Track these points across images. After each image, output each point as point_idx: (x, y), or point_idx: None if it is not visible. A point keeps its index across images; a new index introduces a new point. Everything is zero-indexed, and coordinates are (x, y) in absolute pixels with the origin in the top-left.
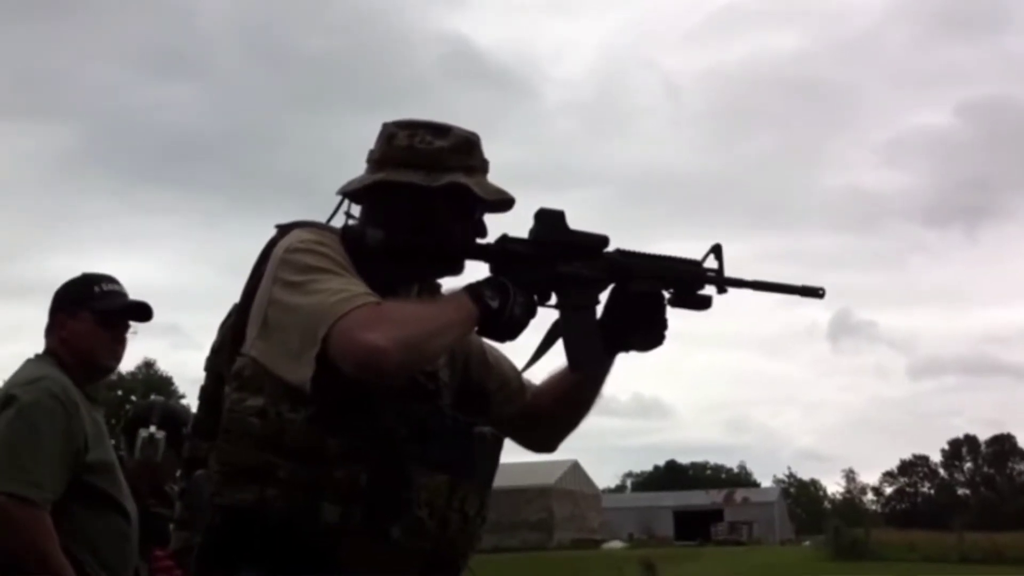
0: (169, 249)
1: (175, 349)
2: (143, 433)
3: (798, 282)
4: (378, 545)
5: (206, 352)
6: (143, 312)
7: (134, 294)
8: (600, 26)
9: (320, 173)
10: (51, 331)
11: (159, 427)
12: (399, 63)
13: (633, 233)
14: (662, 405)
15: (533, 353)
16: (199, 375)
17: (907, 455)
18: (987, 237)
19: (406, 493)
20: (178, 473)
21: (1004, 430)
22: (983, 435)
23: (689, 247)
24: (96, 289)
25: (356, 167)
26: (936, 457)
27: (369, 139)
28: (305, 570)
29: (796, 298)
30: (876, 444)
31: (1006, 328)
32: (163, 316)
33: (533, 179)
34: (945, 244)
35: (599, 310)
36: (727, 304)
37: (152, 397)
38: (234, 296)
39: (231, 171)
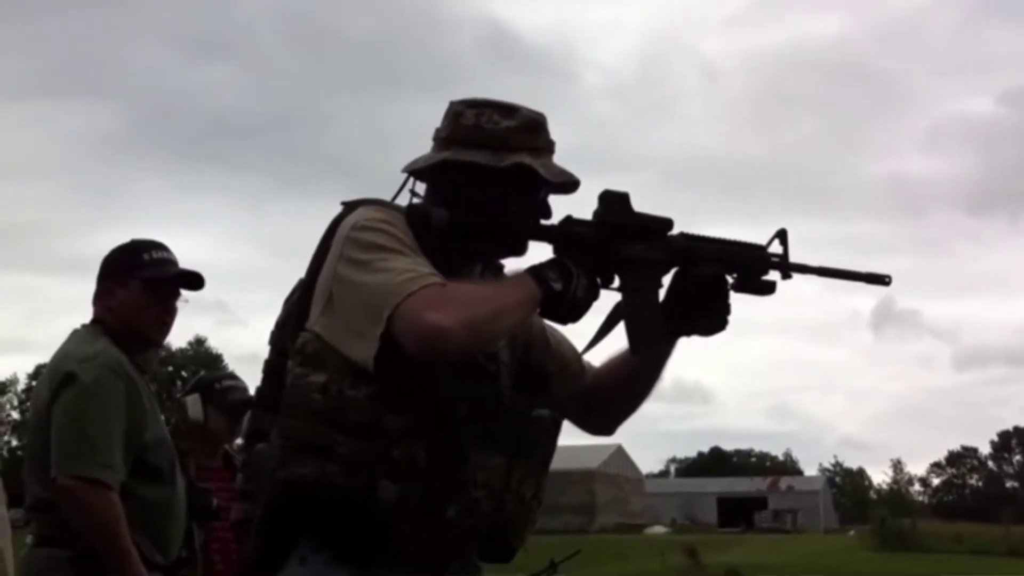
0: (215, 227)
1: (221, 326)
2: (184, 400)
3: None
4: (434, 524)
5: (251, 329)
6: (195, 280)
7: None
8: (640, 10)
9: (364, 154)
10: (99, 299)
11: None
12: (440, 46)
13: (676, 217)
14: (703, 390)
15: (594, 335)
16: (245, 352)
17: (954, 446)
18: None
19: (463, 473)
20: (237, 444)
21: None
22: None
23: (732, 231)
24: (146, 256)
25: (400, 148)
26: (985, 449)
27: (413, 120)
28: (362, 546)
29: (839, 285)
30: (921, 434)
31: None
32: (209, 293)
33: (574, 162)
34: (990, 232)
35: (662, 293)
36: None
37: (203, 373)
38: (277, 275)
39: (276, 152)
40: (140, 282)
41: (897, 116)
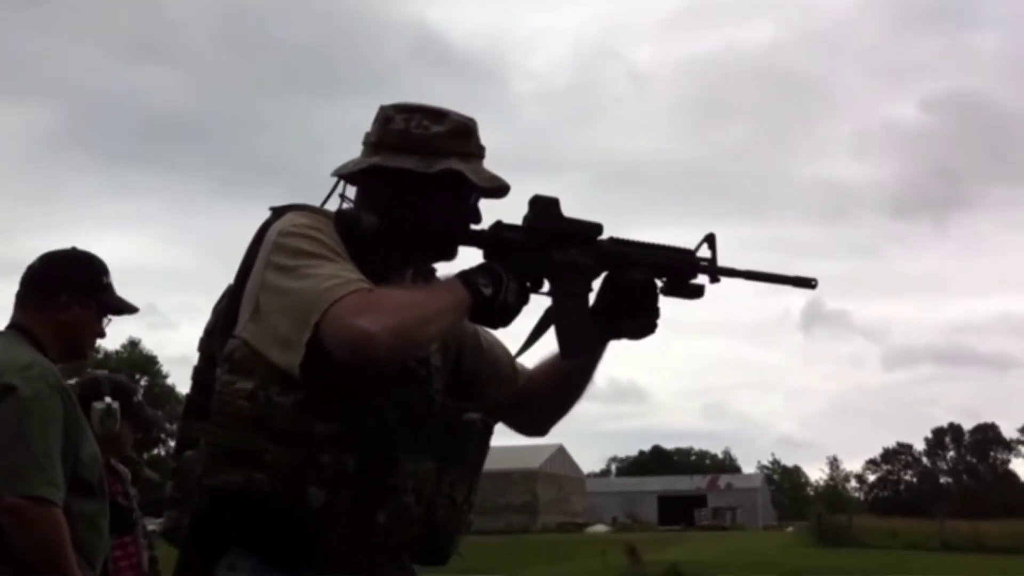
0: (147, 229)
1: (152, 329)
2: (98, 406)
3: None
4: (365, 529)
5: (182, 332)
6: (132, 312)
7: (113, 273)
8: (573, 17)
9: (297, 158)
10: (41, 308)
11: (112, 398)
12: (373, 50)
13: (608, 221)
14: (639, 390)
15: (526, 339)
16: (175, 354)
17: (887, 443)
18: (955, 229)
19: (392, 479)
20: (144, 453)
21: (980, 419)
22: (957, 424)
23: (664, 234)
24: (104, 280)
25: (333, 152)
26: (919, 446)
27: (345, 124)
28: (292, 552)
29: (770, 287)
30: (855, 432)
31: (977, 318)
32: (140, 295)
33: (506, 166)
34: (915, 235)
35: (592, 298)
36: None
37: (94, 371)
38: (210, 278)
39: (210, 155)
40: (97, 305)
41: (825, 121)
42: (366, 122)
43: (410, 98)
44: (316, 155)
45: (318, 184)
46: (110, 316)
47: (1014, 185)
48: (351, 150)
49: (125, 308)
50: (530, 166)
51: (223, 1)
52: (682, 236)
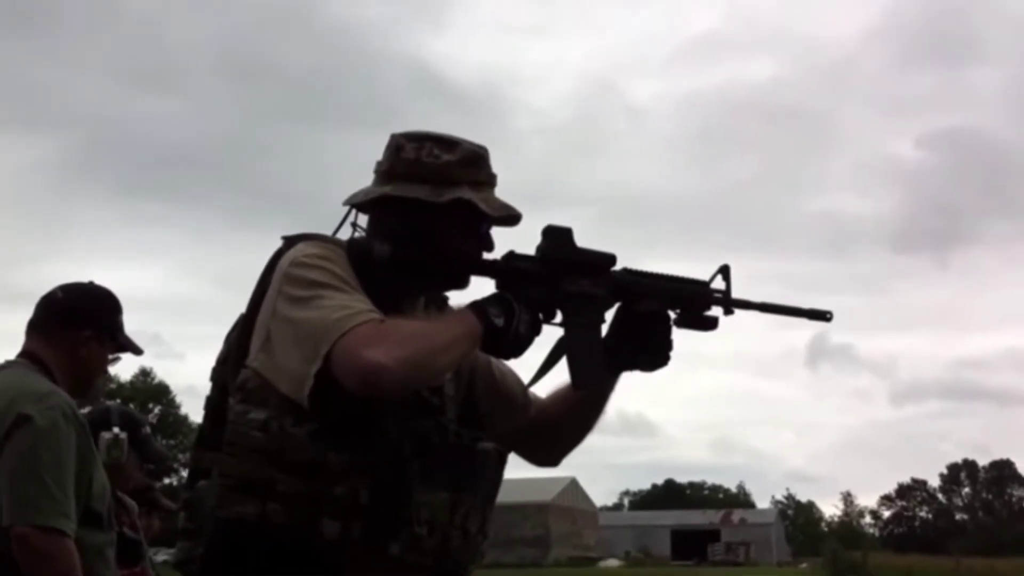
0: (152, 259)
1: (156, 359)
2: (106, 436)
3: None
4: (378, 561)
5: (188, 363)
6: (138, 354)
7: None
8: (576, 53)
9: (302, 187)
10: (60, 339)
11: (120, 429)
12: (377, 83)
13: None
14: (647, 423)
15: (538, 370)
16: (181, 384)
17: (900, 479)
18: (957, 263)
19: (406, 510)
20: (147, 482)
21: (991, 455)
22: (972, 460)
23: (668, 268)
24: (120, 318)
25: (338, 183)
26: (934, 481)
27: (350, 156)
28: None
29: (774, 321)
30: (866, 467)
31: (983, 353)
32: (146, 326)
33: (511, 199)
34: (917, 270)
35: (605, 328)
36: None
37: (104, 402)
38: (215, 307)
39: (216, 185)
40: (113, 345)
41: (827, 157)
42: (370, 154)
43: (413, 128)
44: (321, 185)
45: (323, 214)
46: (119, 355)
47: (1015, 220)
48: (354, 181)
49: (134, 349)
50: (532, 201)
51: (228, 33)
52: (686, 270)
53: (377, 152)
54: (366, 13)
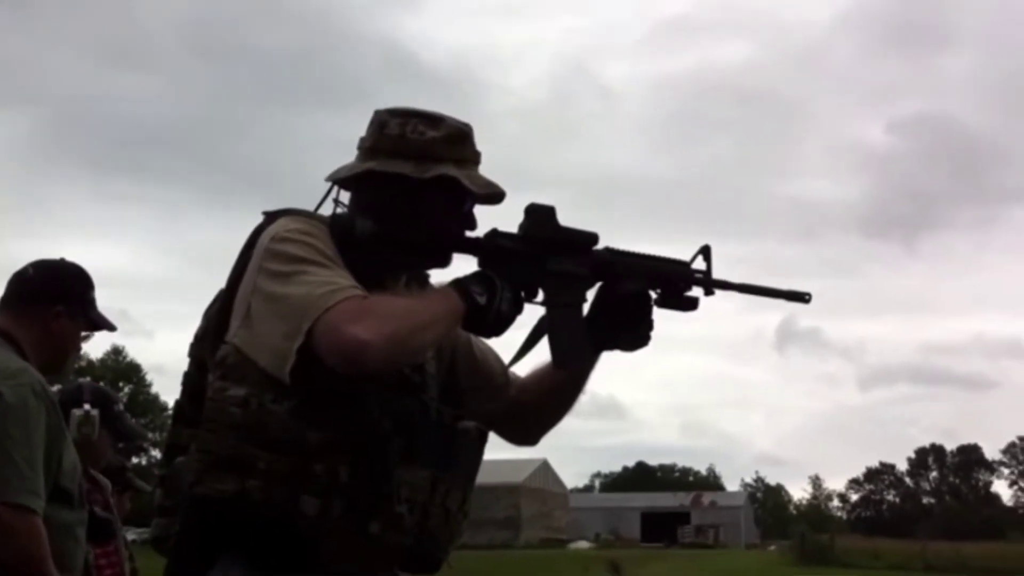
0: (122, 236)
1: (124, 336)
2: (77, 412)
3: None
4: (358, 539)
5: (156, 341)
6: (111, 330)
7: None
8: (550, 34)
9: (275, 166)
10: (32, 316)
11: (91, 406)
12: (350, 64)
13: None
14: (618, 406)
15: (519, 349)
16: (151, 362)
17: (869, 463)
18: (926, 248)
19: (386, 488)
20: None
21: (959, 440)
22: (940, 445)
23: (642, 249)
24: (92, 294)
25: (310, 162)
26: (902, 465)
27: (322, 135)
28: (284, 562)
29: (743, 304)
30: (834, 451)
31: (952, 338)
32: (113, 302)
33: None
34: (886, 255)
35: (586, 308)
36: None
37: (76, 379)
38: (185, 285)
39: (187, 162)
40: (85, 320)
41: (799, 141)
42: (342, 134)
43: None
44: (293, 165)
45: (295, 193)
46: (90, 332)
47: (985, 206)
48: (327, 161)
49: (107, 325)
50: (507, 183)
51: (201, 11)
52: (659, 252)
53: (349, 132)
54: None
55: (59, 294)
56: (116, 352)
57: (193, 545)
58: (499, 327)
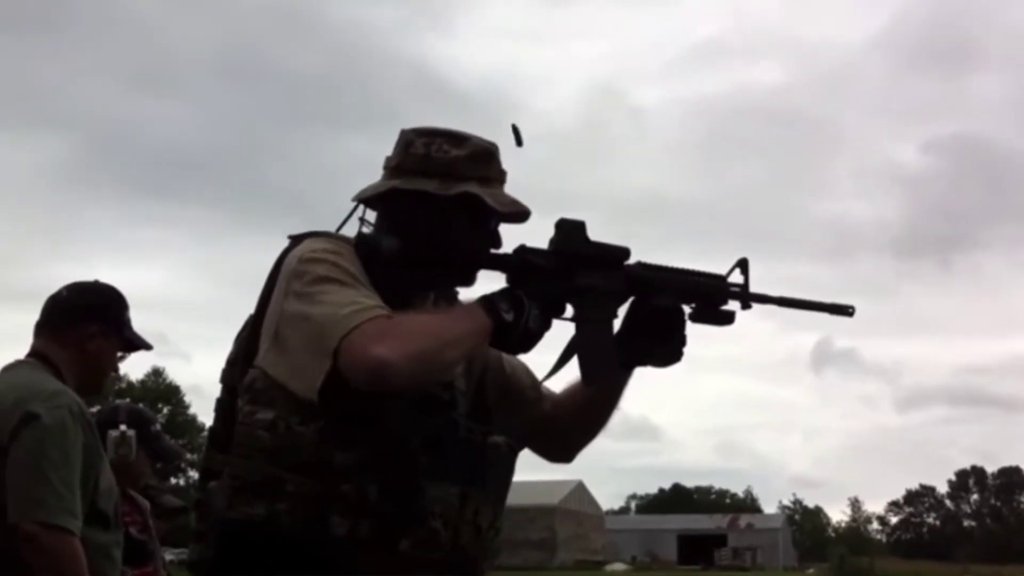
0: (159, 260)
1: (160, 358)
2: (113, 433)
3: None
4: (389, 558)
5: (194, 363)
6: (147, 349)
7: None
8: (581, 58)
9: (305, 189)
10: (66, 337)
11: (128, 427)
12: (379, 87)
13: None
14: (651, 426)
15: (553, 365)
16: (187, 384)
17: (908, 484)
18: (961, 269)
19: (417, 506)
20: (153, 478)
21: (998, 462)
22: (980, 467)
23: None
24: (127, 315)
25: (343, 184)
26: (940, 487)
27: (353, 157)
28: None
29: (780, 324)
30: (872, 473)
31: (988, 359)
32: (152, 325)
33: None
34: (921, 275)
35: (618, 324)
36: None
37: (114, 401)
38: (221, 307)
39: (221, 185)
40: (120, 340)
41: (832, 162)
42: (372, 157)
43: (423, 125)
44: (323, 187)
45: (325, 215)
46: (126, 353)
47: (1020, 225)
48: (356, 183)
49: (143, 344)
50: (537, 206)
51: (230, 35)
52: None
53: (379, 154)
54: (369, 15)
55: (94, 314)
56: (156, 374)
57: (225, 570)
58: (526, 344)
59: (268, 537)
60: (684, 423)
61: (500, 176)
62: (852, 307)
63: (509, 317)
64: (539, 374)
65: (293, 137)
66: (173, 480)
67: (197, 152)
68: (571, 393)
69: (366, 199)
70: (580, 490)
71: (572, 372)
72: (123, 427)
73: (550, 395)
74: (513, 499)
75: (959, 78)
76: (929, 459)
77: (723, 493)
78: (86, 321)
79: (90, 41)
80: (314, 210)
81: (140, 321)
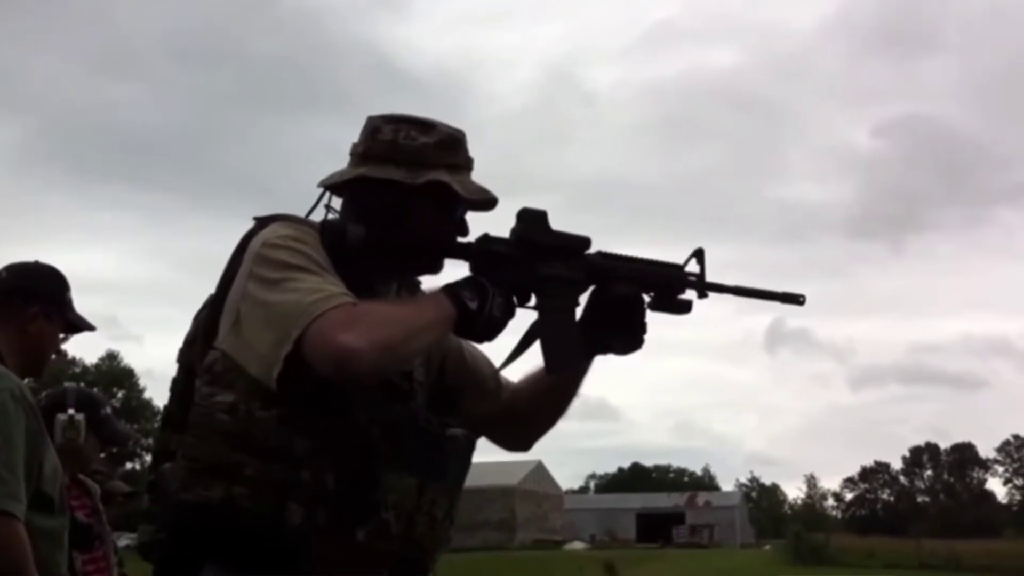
0: (113, 243)
1: (112, 341)
2: (62, 417)
3: None
4: (343, 546)
5: (144, 345)
6: (90, 330)
7: (78, 286)
8: (536, 41)
9: (262, 173)
10: (7, 319)
11: (76, 410)
12: (336, 70)
13: None
14: (610, 408)
15: (510, 353)
16: (139, 367)
17: (863, 462)
18: (913, 250)
19: (373, 495)
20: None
21: (951, 439)
22: (934, 443)
23: (638, 254)
24: (69, 295)
25: (299, 167)
26: (895, 464)
27: (309, 142)
28: (270, 570)
29: (732, 307)
30: (828, 451)
31: (940, 338)
32: (102, 308)
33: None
34: (873, 256)
35: (579, 312)
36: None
37: (64, 384)
38: (174, 290)
39: (177, 169)
40: (63, 321)
41: (785, 145)
42: (328, 140)
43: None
44: (279, 171)
45: (282, 198)
46: (68, 334)
47: (970, 207)
48: (312, 167)
49: (86, 325)
50: (496, 189)
51: (185, 18)
52: (649, 256)
53: (335, 138)
54: None
55: (34, 295)
56: (111, 357)
57: (178, 552)
58: (490, 332)
59: (224, 520)
60: (642, 404)
61: (467, 163)
62: (803, 296)
63: (473, 305)
64: (499, 360)
65: (247, 121)
66: (128, 465)
67: (153, 135)
68: (530, 382)
69: (332, 185)
70: (539, 470)
71: (530, 361)
72: (71, 411)
73: (508, 384)
74: (472, 480)
75: (911, 61)
76: (883, 437)
77: (681, 472)
78: (27, 302)
79: (46, 22)
80: (272, 194)
81: (91, 304)
